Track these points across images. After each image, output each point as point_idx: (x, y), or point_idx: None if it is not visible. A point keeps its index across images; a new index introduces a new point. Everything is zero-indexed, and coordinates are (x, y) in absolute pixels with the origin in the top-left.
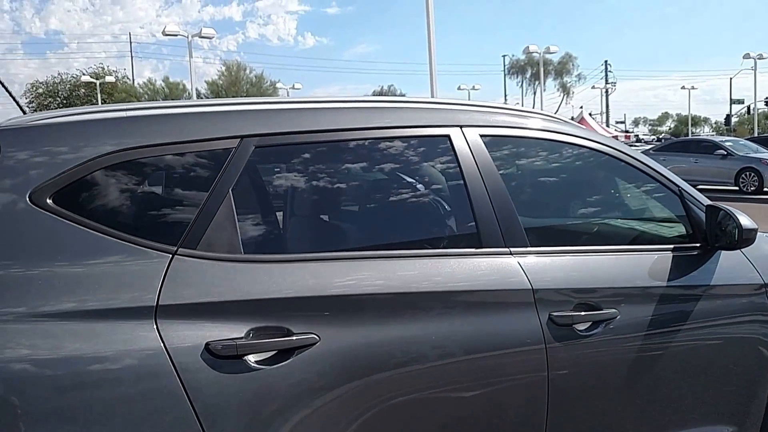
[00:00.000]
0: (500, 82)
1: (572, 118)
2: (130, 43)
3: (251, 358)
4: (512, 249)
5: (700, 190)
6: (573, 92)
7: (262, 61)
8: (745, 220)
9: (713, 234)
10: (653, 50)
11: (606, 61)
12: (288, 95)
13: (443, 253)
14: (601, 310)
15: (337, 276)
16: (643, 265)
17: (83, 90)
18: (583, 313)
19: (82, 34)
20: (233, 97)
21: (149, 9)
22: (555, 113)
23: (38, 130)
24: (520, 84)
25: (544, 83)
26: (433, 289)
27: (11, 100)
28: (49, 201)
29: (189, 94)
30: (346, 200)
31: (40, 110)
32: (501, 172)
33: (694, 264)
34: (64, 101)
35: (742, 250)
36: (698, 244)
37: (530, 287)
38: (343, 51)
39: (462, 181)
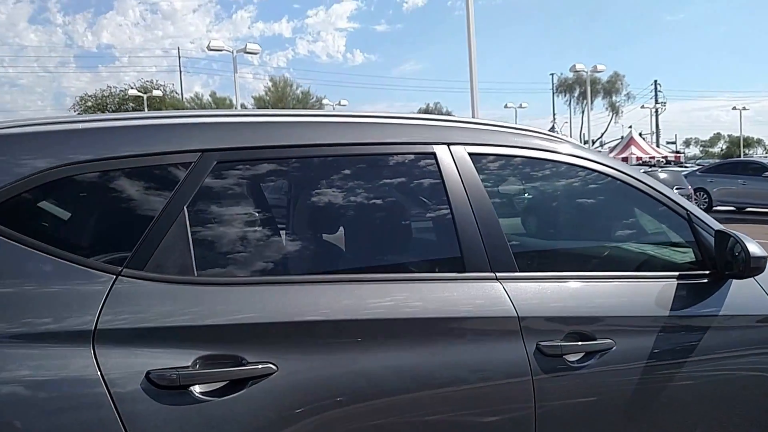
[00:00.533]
0: (548, 100)
1: (622, 138)
2: (179, 57)
3: (197, 389)
4: (498, 274)
5: (747, 212)
6: (622, 112)
7: (310, 77)
8: (754, 248)
9: (723, 261)
10: (704, 70)
11: (656, 81)
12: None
13: (422, 278)
14: (596, 340)
15: (302, 301)
16: (645, 293)
17: (131, 104)
18: (574, 344)
19: (133, 48)
20: None
21: (199, 24)
22: (604, 133)
23: None
24: (568, 103)
25: (592, 102)
26: (409, 315)
27: None
28: None
29: (240, 107)
30: (315, 220)
31: None
32: (490, 191)
33: (702, 292)
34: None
35: (757, 278)
36: (707, 272)
37: (516, 315)
38: (392, 68)
39: (446, 201)
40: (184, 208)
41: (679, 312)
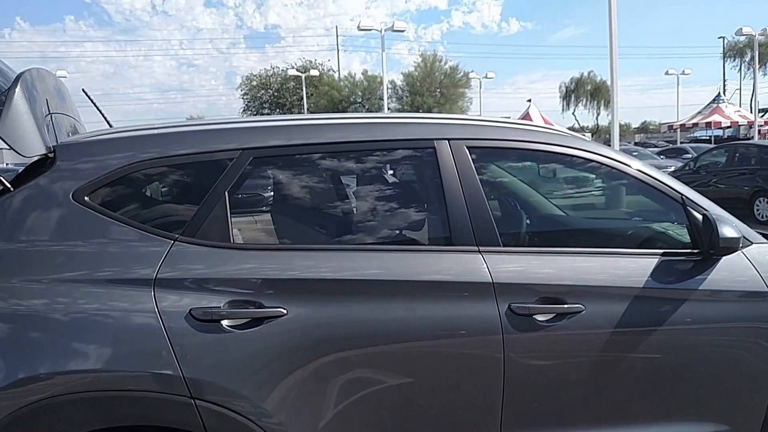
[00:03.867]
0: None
1: None
2: (337, 36)
3: (225, 323)
4: (481, 248)
5: None
6: None
7: (463, 51)
8: (725, 230)
9: (707, 240)
10: None
11: None
12: (480, 84)
13: (414, 249)
14: (565, 304)
15: (310, 263)
16: (624, 267)
17: (292, 83)
18: (544, 306)
19: (297, 28)
20: (427, 88)
21: (358, 1)
22: None
23: (84, 145)
24: (738, 68)
25: (759, 68)
26: (399, 278)
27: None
28: (86, 198)
29: (386, 85)
30: (327, 202)
31: (254, 101)
32: (484, 180)
33: (686, 268)
34: (275, 93)
35: (750, 257)
36: (693, 250)
37: (491, 281)
38: (549, 35)
39: (441, 188)
40: (225, 192)
41: (656, 285)
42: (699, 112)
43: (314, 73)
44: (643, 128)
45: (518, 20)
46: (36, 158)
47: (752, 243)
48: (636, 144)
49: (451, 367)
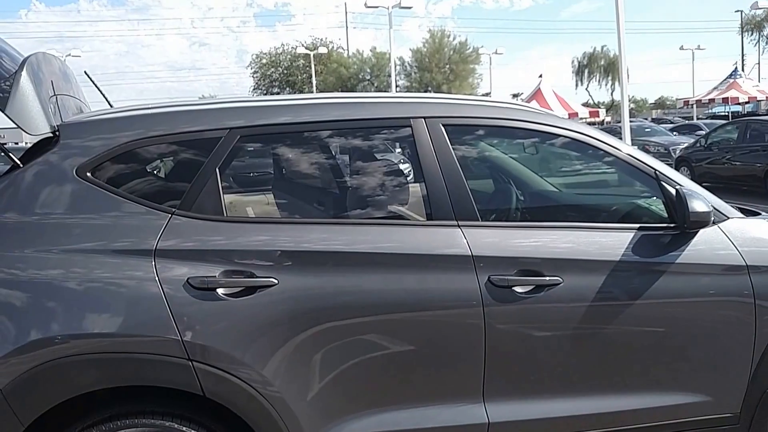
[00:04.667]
0: (733, 40)
1: None
2: (346, 13)
3: (220, 291)
4: (460, 222)
5: None
6: None
7: (475, 25)
8: (695, 204)
9: (681, 215)
10: None
11: None
12: (490, 61)
13: (395, 223)
14: (544, 276)
15: (299, 236)
16: (599, 240)
17: (302, 61)
18: (522, 278)
19: (307, 6)
20: (436, 64)
21: None
22: None
23: (86, 125)
24: (756, 43)
25: None
26: (381, 251)
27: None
28: (88, 174)
29: (394, 62)
30: (311, 177)
31: (264, 79)
32: (461, 156)
33: (660, 243)
34: (285, 71)
35: (726, 232)
36: (671, 225)
37: (470, 253)
38: (561, 10)
39: (419, 165)
40: (216, 168)
41: (634, 258)
42: (715, 88)
43: (323, 50)
44: (660, 104)
45: None
46: (42, 137)
47: (728, 218)
48: (653, 120)
49: (432, 338)
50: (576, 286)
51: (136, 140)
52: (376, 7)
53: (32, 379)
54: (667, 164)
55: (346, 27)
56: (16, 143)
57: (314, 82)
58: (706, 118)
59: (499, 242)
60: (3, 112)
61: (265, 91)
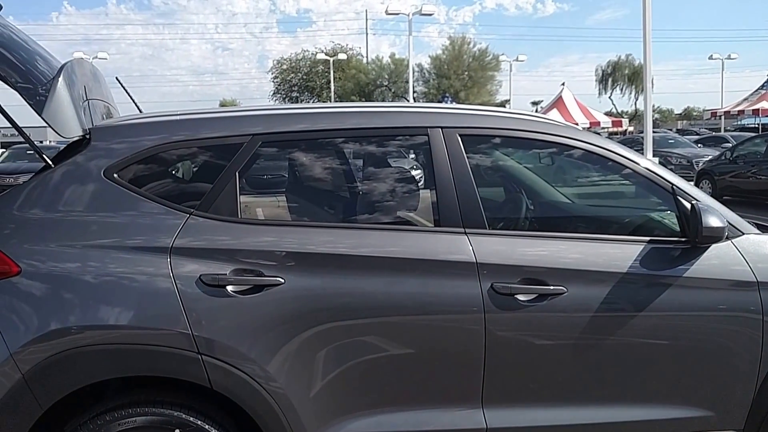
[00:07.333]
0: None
1: None
2: (366, 20)
3: (230, 288)
4: (468, 230)
5: None
6: None
7: (495, 32)
8: (709, 219)
9: (694, 230)
10: None
11: None
12: (510, 68)
13: (403, 229)
14: (548, 285)
15: (306, 238)
16: (606, 252)
17: (321, 66)
18: (525, 286)
19: (328, 12)
20: (454, 71)
21: None
22: None
23: (115, 129)
24: None
25: None
26: (387, 255)
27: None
28: (115, 175)
29: (412, 68)
30: (324, 184)
31: (284, 84)
32: (475, 166)
33: (671, 256)
34: (305, 77)
35: (739, 247)
36: (681, 238)
37: (474, 260)
38: (586, 17)
39: (432, 172)
40: (236, 172)
41: (642, 271)
42: (745, 99)
43: (342, 56)
44: (686, 114)
45: (554, 1)
46: (74, 139)
47: (743, 233)
48: (678, 131)
49: (432, 341)
50: (580, 296)
51: (164, 144)
52: (397, 13)
53: (51, 366)
54: (688, 177)
55: (366, 33)
56: (41, 141)
57: (332, 87)
58: (734, 130)
59: (504, 250)
60: (40, 115)
61: (284, 96)
